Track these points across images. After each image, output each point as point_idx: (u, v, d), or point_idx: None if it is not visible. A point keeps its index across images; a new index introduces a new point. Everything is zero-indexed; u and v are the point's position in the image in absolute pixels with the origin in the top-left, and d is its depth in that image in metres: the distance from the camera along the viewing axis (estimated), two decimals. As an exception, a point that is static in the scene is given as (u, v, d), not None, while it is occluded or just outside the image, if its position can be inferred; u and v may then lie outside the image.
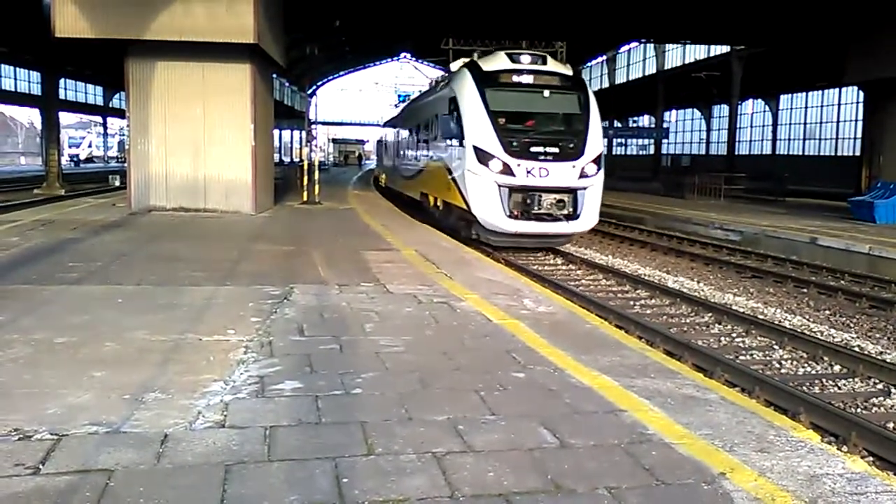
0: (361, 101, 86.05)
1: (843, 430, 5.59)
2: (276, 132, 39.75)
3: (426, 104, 19.01)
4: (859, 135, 31.66)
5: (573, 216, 13.42)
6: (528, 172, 13.12)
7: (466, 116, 13.81)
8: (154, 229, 13.22)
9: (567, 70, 14.84)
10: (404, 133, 23.48)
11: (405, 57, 56.57)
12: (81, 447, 3.53)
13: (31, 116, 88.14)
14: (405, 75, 65.14)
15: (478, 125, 13.55)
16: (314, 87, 70.38)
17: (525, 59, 14.41)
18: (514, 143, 13.30)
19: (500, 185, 13.17)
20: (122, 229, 13.13)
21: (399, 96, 44.57)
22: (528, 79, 14.22)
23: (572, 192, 13.34)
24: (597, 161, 13.59)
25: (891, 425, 5.96)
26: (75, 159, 72.55)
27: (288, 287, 7.71)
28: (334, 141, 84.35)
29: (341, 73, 75.09)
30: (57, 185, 31.14)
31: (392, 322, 6.35)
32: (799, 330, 9.08)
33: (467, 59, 16.26)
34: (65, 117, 64.38)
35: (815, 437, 4.02)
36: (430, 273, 9.00)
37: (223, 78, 16.11)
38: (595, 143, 13.75)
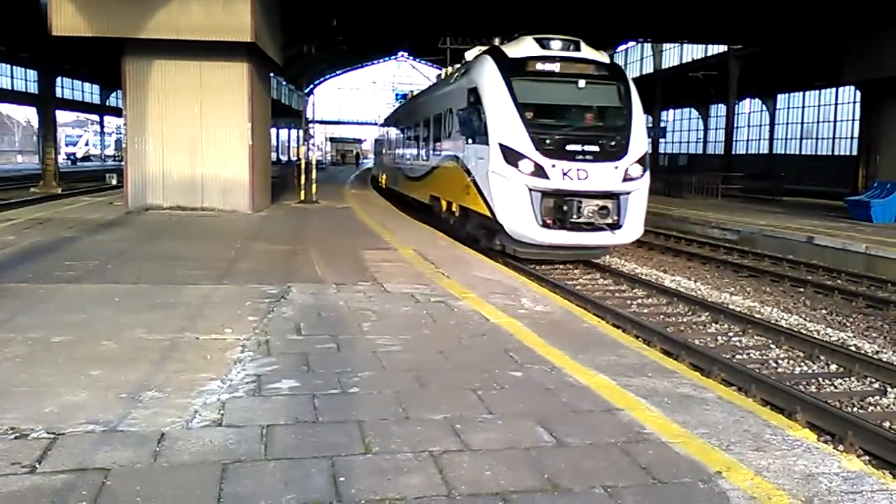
0: (359, 99, 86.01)
1: (839, 429, 5.60)
2: (273, 131, 39.71)
3: (438, 97, 17.00)
4: (856, 134, 31.73)
5: (617, 225, 11.69)
6: (565, 174, 11.37)
7: (490, 110, 12.08)
8: (151, 228, 13.20)
9: (604, 57, 13.06)
10: (410, 130, 21.33)
11: (402, 56, 56.56)
12: (78, 446, 3.53)
13: (27, 115, 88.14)
14: (403, 74, 65.22)
15: (504, 120, 11.83)
16: (311, 86, 70.32)
17: (556, 45, 12.62)
18: (548, 141, 11.60)
19: (531, 190, 11.45)
20: (119, 228, 13.11)
21: (397, 95, 44.49)
22: (560, 67, 12.42)
23: (615, 197, 11.65)
24: (642, 161, 11.91)
25: (887, 424, 5.97)
26: (72, 158, 72.57)
27: (285, 286, 7.71)
28: (332, 140, 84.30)
29: (339, 71, 74.99)
30: (54, 183, 31.12)
31: (389, 321, 6.35)
32: (795, 329, 9.09)
33: (486, 47, 14.48)
34: (62, 116, 64.31)
35: (811, 436, 4.03)
36: (427, 272, 9.00)
37: (220, 76, 16.11)
38: (640, 140, 12.11)
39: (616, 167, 11.64)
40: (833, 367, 7.56)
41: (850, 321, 9.85)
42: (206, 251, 10.49)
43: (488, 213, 12.19)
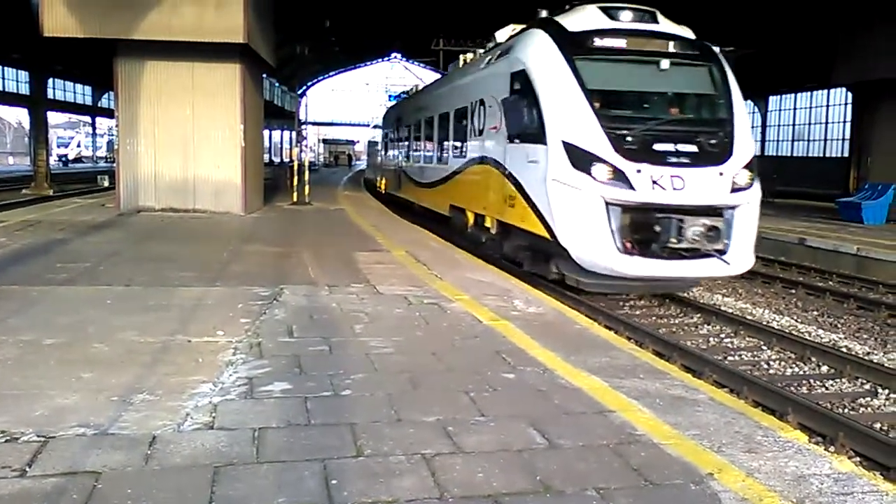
0: (352, 101, 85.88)
1: (830, 430, 5.62)
2: (265, 132, 39.65)
3: (463, 86, 13.93)
4: (847, 136, 31.90)
5: (723, 251, 8.80)
6: (654, 183, 8.62)
7: (547, 99, 9.39)
8: (143, 230, 13.16)
9: (688, 32, 10.38)
10: (421, 127, 18.17)
11: (395, 57, 56.61)
12: (69, 449, 3.52)
13: (19, 116, 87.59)
14: (396, 76, 65.22)
15: (569, 112, 9.14)
16: (304, 87, 70.27)
17: (627, 16, 9.96)
18: (629, 139, 8.91)
19: (608, 203, 8.66)
20: (111, 230, 13.06)
21: (390, 97, 44.46)
22: (636, 43, 9.76)
23: (719, 213, 8.85)
24: (750, 166, 9.13)
25: (877, 425, 6.00)
26: (64, 159, 72.22)
27: (278, 288, 7.70)
28: (324, 141, 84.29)
29: (331, 73, 74.92)
30: (45, 185, 30.97)
31: (382, 323, 6.35)
32: (787, 331, 9.13)
33: (520, 26, 11.89)
34: (53, 117, 64.03)
35: (802, 438, 4.05)
36: (420, 274, 9.00)
37: (212, 78, 16.07)
38: (745, 138, 9.38)
39: (721, 173, 8.88)
40: (824, 368, 7.60)
41: (842, 322, 9.90)
42: (199, 253, 10.45)
43: (544, 233, 9.46)
